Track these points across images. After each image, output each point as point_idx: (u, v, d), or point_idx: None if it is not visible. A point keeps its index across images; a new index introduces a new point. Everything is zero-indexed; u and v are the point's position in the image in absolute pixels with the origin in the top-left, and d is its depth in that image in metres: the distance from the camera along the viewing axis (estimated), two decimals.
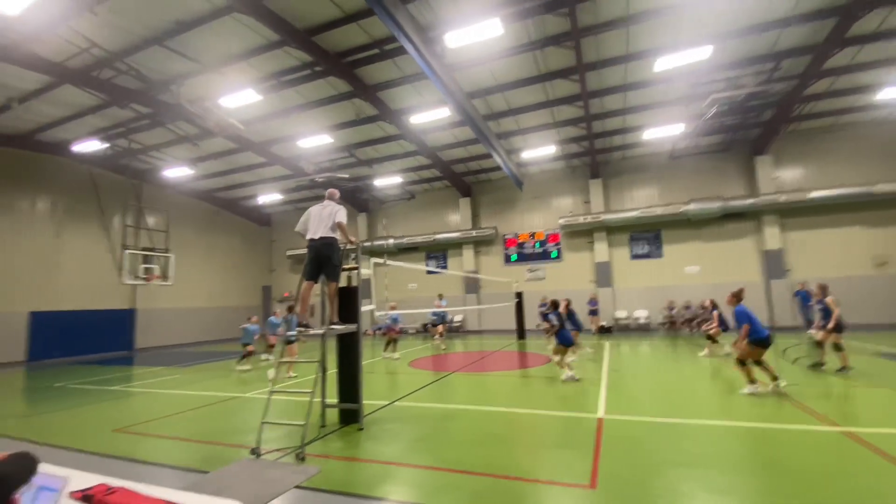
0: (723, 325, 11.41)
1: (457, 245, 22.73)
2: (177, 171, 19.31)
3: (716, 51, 11.97)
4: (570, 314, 11.05)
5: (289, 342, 10.11)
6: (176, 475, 4.47)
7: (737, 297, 7.21)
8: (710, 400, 6.74)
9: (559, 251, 20.96)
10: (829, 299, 8.30)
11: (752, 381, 6.83)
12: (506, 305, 17.86)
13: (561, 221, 20.13)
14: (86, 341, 17.81)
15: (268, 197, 23.72)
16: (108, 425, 6.54)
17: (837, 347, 8.10)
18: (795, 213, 17.27)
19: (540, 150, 18.03)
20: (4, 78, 12.14)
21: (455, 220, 23.10)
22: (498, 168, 19.88)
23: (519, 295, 17.52)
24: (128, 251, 16.41)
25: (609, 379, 8.50)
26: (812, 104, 15.42)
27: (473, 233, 21.90)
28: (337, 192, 6.19)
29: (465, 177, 22.04)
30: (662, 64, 12.23)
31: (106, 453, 5.21)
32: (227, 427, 6.29)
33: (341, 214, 5.81)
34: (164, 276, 17.64)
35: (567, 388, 7.87)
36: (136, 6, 10.00)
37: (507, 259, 21.92)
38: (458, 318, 21.85)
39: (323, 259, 5.69)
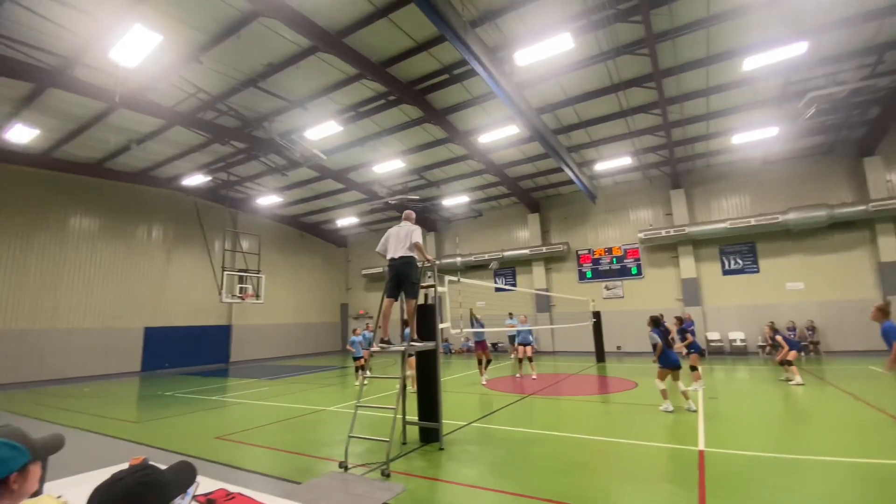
0: (793, 346, 10.28)
1: (526, 262, 22.35)
2: (267, 199, 21.17)
3: (811, 46, 10.84)
4: (682, 332, 10.12)
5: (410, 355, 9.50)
6: (271, 483, 4.75)
7: (883, 311, 6.20)
8: (826, 433, 5.87)
9: (639, 267, 19.78)
10: None
11: None
12: (582, 325, 17.09)
13: (640, 235, 19.02)
14: (190, 354, 19.85)
15: (345, 220, 25.17)
16: (211, 432, 7.15)
17: None
18: None
19: (614, 162, 17.32)
20: (125, 122, 14.15)
21: (524, 237, 22.79)
22: (568, 182, 19.40)
23: (597, 314, 16.70)
24: (226, 272, 18.16)
25: (706, 407, 7.74)
26: None
27: (543, 249, 21.41)
28: (413, 214, 6.40)
29: (533, 192, 21.76)
30: (751, 63, 11.29)
31: (210, 458, 5.68)
32: (314, 439, 6.60)
33: (417, 234, 6.01)
34: (257, 295, 19.24)
35: (659, 416, 7.29)
36: (235, 53, 11.26)
37: (582, 276, 21.08)
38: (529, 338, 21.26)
39: (402, 277, 5.88)
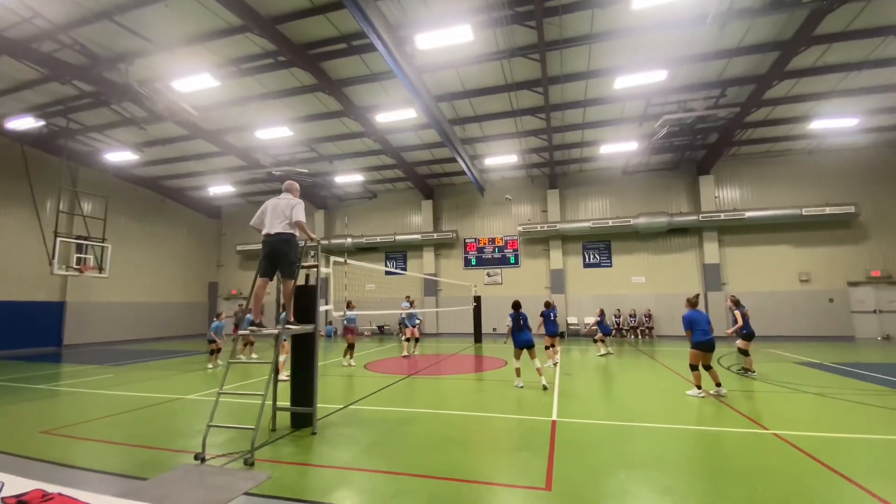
0: (604, 330, 13.43)
1: (417, 247, 22.68)
2: (119, 156, 18.04)
3: (670, 74, 12.73)
4: (546, 316, 11.11)
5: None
6: (111, 481, 4.14)
7: (690, 302, 7.84)
8: (654, 403, 7.09)
9: (517, 257, 21.41)
10: (737, 312, 9.38)
11: (698, 386, 7.46)
12: (464, 309, 17.99)
13: (519, 228, 20.59)
14: (9, 335, 16.20)
15: (219, 188, 22.64)
16: (35, 426, 5.98)
17: (743, 352, 9.46)
18: (732, 230, 18.64)
19: (502, 158, 18.39)
20: None
21: (416, 222, 23.04)
22: (461, 172, 20.05)
23: (477, 299, 17.70)
24: (60, 239, 15.02)
25: (561, 383, 8.74)
26: (752, 130, 16.72)
27: (434, 235, 21.93)
28: (297, 186, 5.94)
29: (429, 179, 22.05)
30: (621, 83, 12.86)
31: (32, 456, 4.74)
32: (167, 430, 5.90)
33: (300, 210, 5.54)
34: (100, 268, 16.31)
35: (523, 392, 8.02)
36: None
37: (467, 263, 22.11)
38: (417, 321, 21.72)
39: (279, 256, 5.44)
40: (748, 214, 17.89)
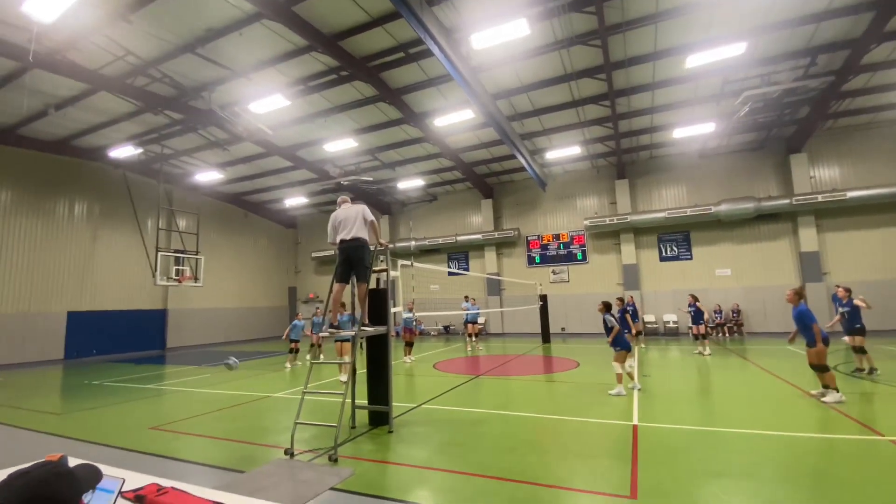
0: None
1: (479, 247, 22.66)
2: (207, 175, 19.86)
3: (749, 46, 11.58)
4: (623, 313, 10.75)
5: (342, 341, 9.42)
6: (212, 473, 4.55)
7: (798, 294, 6.96)
8: (748, 407, 6.48)
9: (584, 253, 20.63)
10: (856, 301, 8.25)
11: (825, 385, 6.59)
12: (530, 308, 17.66)
13: (586, 223, 19.81)
14: (120, 340, 18.48)
15: (294, 200, 24.17)
16: (144, 423, 6.72)
17: (859, 350, 8.32)
18: (832, 213, 16.57)
19: (564, 151, 17.79)
20: (41, 85, 12.62)
21: (477, 222, 23.03)
22: (521, 169, 19.73)
23: (543, 298, 17.30)
24: (160, 253, 16.94)
25: (641, 385, 8.28)
26: (849, 101, 14.79)
27: (495, 234, 21.77)
28: (348, 198, 6.16)
29: (487, 178, 21.95)
30: (694, 61, 11.91)
31: (143, 450, 5.35)
32: (259, 427, 6.39)
33: (368, 213, 5.88)
34: (195, 278, 18.13)
35: (598, 393, 7.70)
36: (169, 15, 10.31)
37: (531, 261, 21.70)
38: (480, 320, 21.73)
39: (354, 261, 5.71)
40: (850, 195, 15.78)
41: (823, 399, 6.48)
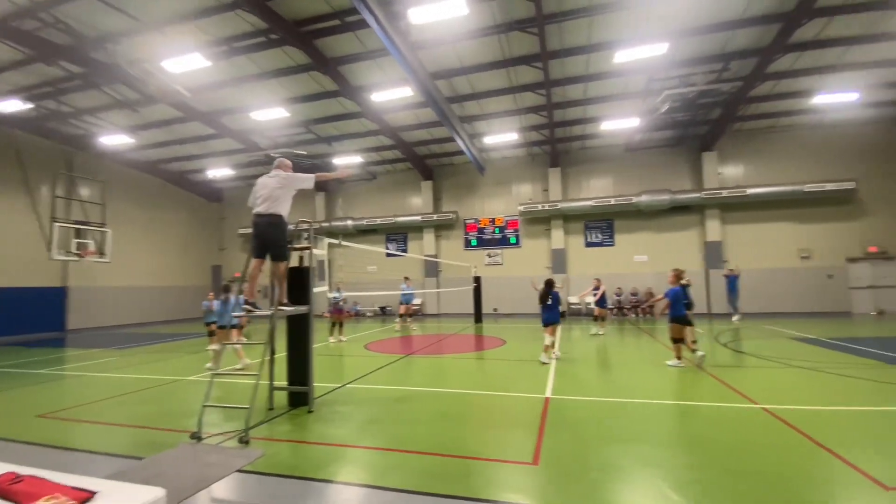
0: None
1: (418, 228, 22.61)
2: (114, 139, 17.87)
3: (671, 47, 12.37)
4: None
5: (230, 327, 8.87)
6: (106, 462, 4.22)
7: (677, 276, 8.41)
8: (649, 380, 7.15)
9: (518, 237, 21.33)
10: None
11: (678, 357, 7.92)
12: (465, 289, 18.04)
13: (520, 208, 20.45)
14: (8, 321, 16.37)
15: (218, 171, 22.49)
16: (32, 411, 6.07)
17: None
18: (735, 207, 18.44)
19: (502, 136, 18.11)
20: None
21: (417, 203, 22.91)
22: (460, 152, 19.79)
23: (477, 279, 17.73)
24: (57, 224, 15.05)
25: (558, 361, 8.81)
26: (755, 105, 16.37)
27: (435, 216, 21.82)
28: (288, 162, 5.75)
29: (428, 160, 21.82)
30: (622, 56, 12.53)
31: (28, 440, 4.84)
32: (166, 411, 6.01)
33: (300, 180, 5.51)
34: (100, 253, 16.38)
35: (519, 369, 8.10)
36: None
37: (468, 244, 22.07)
38: (417, 301, 21.87)
39: (267, 239, 5.38)
40: (750, 191, 17.67)
41: (668, 362, 8.03)
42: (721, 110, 16.28)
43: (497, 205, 21.79)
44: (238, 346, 8.73)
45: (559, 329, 9.23)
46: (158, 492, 1.73)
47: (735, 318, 15.32)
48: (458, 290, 18.54)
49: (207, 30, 11.65)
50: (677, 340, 8.09)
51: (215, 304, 9.68)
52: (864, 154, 17.25)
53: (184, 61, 11.91)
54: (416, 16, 10.17)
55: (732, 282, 15.35)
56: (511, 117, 17.17)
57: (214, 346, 9.53)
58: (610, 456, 4.01)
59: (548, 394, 6.27)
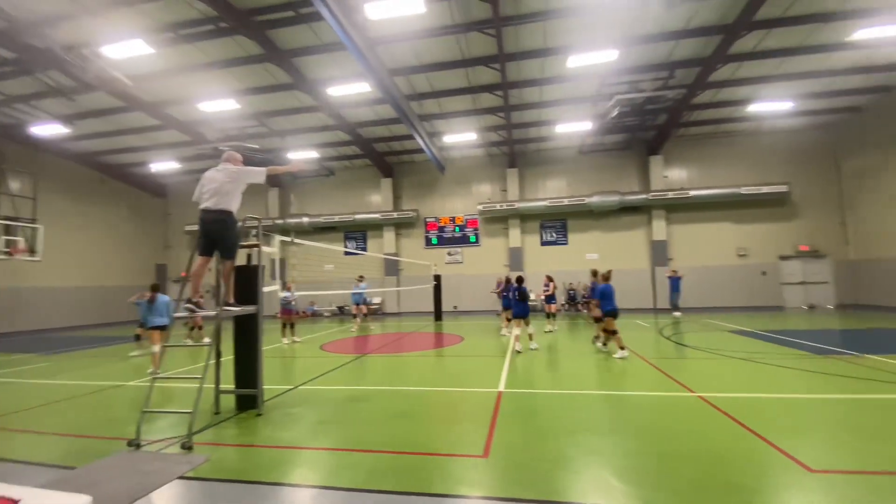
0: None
1: (377, 226, 22.41)
2: (48, 129, 16.55)
3: (621, 55, 12.94)
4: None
5: (151, 328, 8.50)
6: (36, 472, 3.93)
7: (604, 277, 9.19)
8: (597, 372, 7.47)
9: (477, 236, 21.61)
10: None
11: (621, 346, 8.59)
12: (425, 288, 18.08)
13: (479, 207, 20.74)
14: None
15: (162, 164, 21.33)
16: None
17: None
18: (679, 208, 19.55)
19: (461, 136, 18.28)
20: None
21: (376, 201, 22.70)
22: (420, 150, 19.80)
23: (437, 278, 17.82)
24: None
25: (513, 356, 9.03)
26: (698, 112, 17.40)
27: (395, 214, 21.70)
28: (238, 156, 5.52)
29: (387, 157, 21.65)
30: (575, 61, 12.96)
31: None
32: (104, 419, 5.66)
33: (250, 174, 5.25)
34: (32, 251, 15.11)
35: (474, 364, 8.23)
36: None
37: (428, 242, 22.12)
38: (376, 300, 21.68)
39: (214, 236, 5.16)
40: (693, 193, 18.79)
41: (615, 355, 8.54)
42: (667, 116, 17.18)
43: (457, 204, 21.97)
44: (156, 351, 8.28)
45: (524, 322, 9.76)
46: (84, 499, 1.68)
47: (676, 314, 16.26)
48: (418, 288, 18.56)
49: (152, 15, 11.01)
50: (608, 331, 8.90)
51: (140, 304, 9.13)
52: (797, 159, 18.76)
53: (125, 47, 11.22)
54: (373, 11, 10.09)
55: (675, 282, 16.31)
56: (470, 117, 17.35)
57: (155, 349, 9.10)
58: (557, 446, 4.17)
59: (501, 388, 6.43)
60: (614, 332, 8.71)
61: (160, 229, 25.03)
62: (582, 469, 3.71)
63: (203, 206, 5.12)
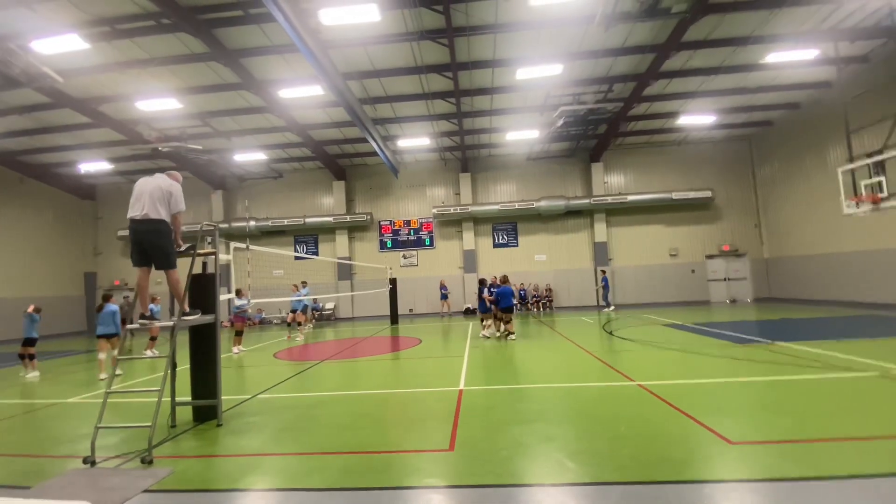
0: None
1: (329, 230, 22.09)
2: None
3: (565, 69, 13.76)
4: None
5: (98, 336, 9.19)
6: None
7: (504, 280, 11.59)
8: (548, 366, 7.98)
9: (432, 239, 21.90)
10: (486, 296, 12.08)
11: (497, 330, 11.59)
12: (380, 291, 18.07)
13: (434, 211, 21.05)
14: None
15: (92, 165, 19.81)
16: None
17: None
18: (617, 212, 20.96)
19: (415, 140, 18.52)
20: None
21: (328, 204, 22.38)
22: (374, 153, 19.79)
23: (393, 281, 17.88)
24: None
25: (470, 355, 9.38)
26: (634, 123, 18.77)
27: (348, 218, 21.50)
28: (180, 177, 5.33)
29: (340, 159, 21.44)
30: (523, 73, 13.61)
31: None
32: (50, 437, 5.33)
33: (178, 199, 4.99)
34: None
35: (434, 365, 8.48)
36: None
37: (383, 245, 22.11)
38: (329, 305, 21.36)
39: (147, 246, 4.89)
40: (630, 198, 20.24)
41: (509, 338, 11.14)
42: (606, 126, 18.38)
43: (412, 207, 22.16)
44: (101, 358, 8.86)
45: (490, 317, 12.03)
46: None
47: (609, 309, 17.51)
48: (373, 292, 18.52)
49: (85, 8, 10.33)
50: (499, 319, 11.69)
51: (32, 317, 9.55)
52: (719, 167, 20.73)
53: (56, 42, 10.43)
54: (327, 16, 10.09)
55: (605, 281, 17.78)
56: (424, 122, 17.63)
57: (101, 356, 9.15)
58: (515, 436, 4.52)
59: (461, 386, 6.73)
60: (509, 322, 11.39)
61: (89, 234, 23.15)
62: (539, 454, 4.06)
63: (133, 215, 4.86)
